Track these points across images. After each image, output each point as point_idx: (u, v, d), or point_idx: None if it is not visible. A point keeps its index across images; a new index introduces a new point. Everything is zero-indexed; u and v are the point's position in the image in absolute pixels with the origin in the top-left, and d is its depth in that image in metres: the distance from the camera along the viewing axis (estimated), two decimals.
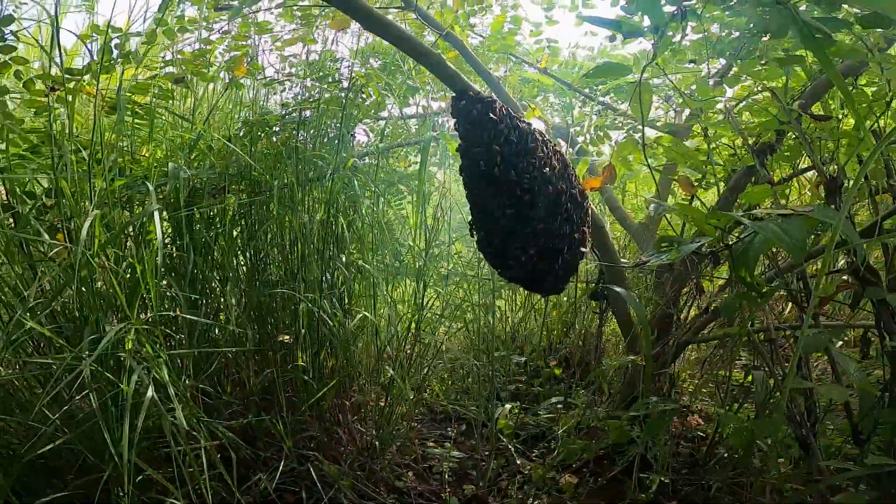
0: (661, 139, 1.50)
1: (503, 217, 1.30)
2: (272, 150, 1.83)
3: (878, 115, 1.33)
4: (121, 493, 1.14)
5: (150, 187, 1.25)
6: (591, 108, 2.42)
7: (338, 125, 1.87)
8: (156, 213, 1.21)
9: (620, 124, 2.47)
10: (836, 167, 1.34)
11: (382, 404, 1.90)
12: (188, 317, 1.36)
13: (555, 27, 2.82)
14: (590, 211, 1.55)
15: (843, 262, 1.65)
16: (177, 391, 1.22)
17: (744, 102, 1.56)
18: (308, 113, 1.81)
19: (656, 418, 1.43)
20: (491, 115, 1.26)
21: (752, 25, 1.29)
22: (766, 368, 1.46)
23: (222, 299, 1.72)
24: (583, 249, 1.49)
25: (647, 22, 1.29)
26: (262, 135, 1.78)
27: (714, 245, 1.38)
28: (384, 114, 2.44)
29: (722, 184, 1.86)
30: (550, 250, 1.38)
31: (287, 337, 1.69)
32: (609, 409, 2.02)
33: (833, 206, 1.28)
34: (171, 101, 1.72)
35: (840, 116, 1.44)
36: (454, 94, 1.26)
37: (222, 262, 1.71)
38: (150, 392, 1.12)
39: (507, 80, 2.28)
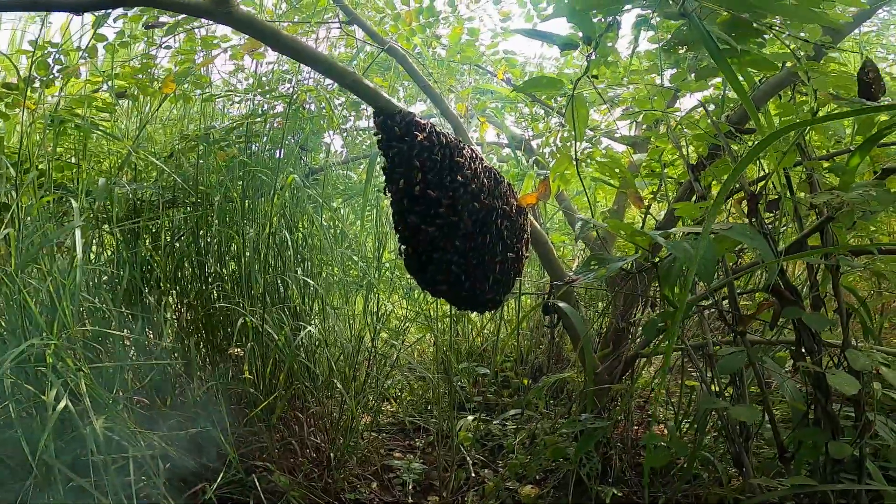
0: (594, 153, 1.50)
1: (426, 235, 1.30)
2: (224, 163, 1.83)
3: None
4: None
5: (74, 204, 1.26)
6: (547, 122, 2.43)
7: (293, 138, 1.88)
8: (77, 230, 1.22)
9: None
10: (757, 184, 1.34)
11: (338, 416, 1.91)
12: (112, 332, 1.37)
13: (517, 39, 2.82)
14: (528, 227, 1.56)
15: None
16: (104, 402, 1.23)
17: (683, 115, 1.56)
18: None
19: (586, 435, 1.43)
20: (414, 132, 1.27)
21: (669, 37, 1.29)
22: (703, 385, 1.46)
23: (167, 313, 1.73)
24: (518, 266, 1.49)
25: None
26: (208, 149, 1.79)
27: (641, 262, 1.38)
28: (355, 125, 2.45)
29: (672, 197, 1.86)
30: (478, 268, 1.38)
31: (238, 350, 1.70)
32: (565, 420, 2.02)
33: (754, 223, 1.28)
34: (114, 115, 1.73)
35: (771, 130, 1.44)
36: (374, 112, 1.27)
37: (163, 276, 1.71)
38: (64, 402, 1.13)
39: (460, 94, 2.29)
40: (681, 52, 1.30)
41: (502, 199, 1.43)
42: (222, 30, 1.95)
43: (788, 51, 1.30)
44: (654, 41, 1.94)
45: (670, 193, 1.98)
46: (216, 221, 1.76)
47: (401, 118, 1.26)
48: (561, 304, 1.72)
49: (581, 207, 2.57)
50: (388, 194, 1.32)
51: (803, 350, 1.23)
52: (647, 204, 1.88)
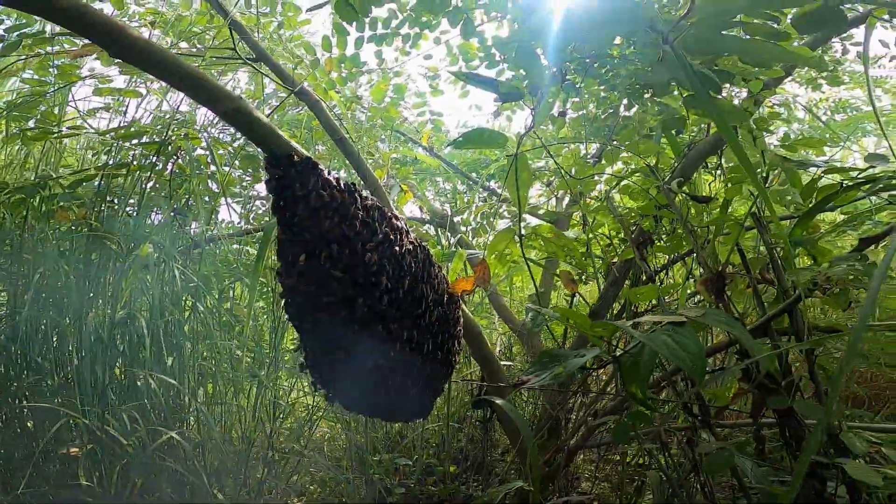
0: (540, 229, 1.30)
1: (329, 329, 0.98)
2: (64, 226, 1.41)
3: (755, 193, 1.21)
4: None
5: None
6: (473, 194, 2.24)
7: (170, 200, 1.51)
8: None
9: (506, 213, 2.31)
10: (718, 262, 1.18)
11: None
12: None
13: (439, 104, 2.69)
14: (461, 318, 1.27)
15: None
16: None
17: (623, 182, 1.42)
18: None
19: None
20: (319, 182, 0.96)
21: (631, 80, 1.15)
22: (661, 474, 1.25)
23: None
24: (450, 365, 1.20)
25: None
26: (47, 205, 1.37)
27: (600, 358, 1.16)
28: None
29: (601, 277, 1.70)
30: (404, 372, 1.06)
31: (75, 450, 1.43)
32: None
33: (721, 306, 1.12)
34: None
35: (715, 197, 1.32)
36: (265, 158, 0.95)
37: None
38: None
39: (382, 157, 2.05)
40: (646, 95, 1.16)
41: (432, 284, 1.13)
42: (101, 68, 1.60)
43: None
44: (579, 108, 1.86)
45: (599, 275, 1.83)
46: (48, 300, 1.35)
47: (303, 163, 0.96)
48: (499, 402, 1.44)
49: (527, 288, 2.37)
50: (279, 275, 0.98)
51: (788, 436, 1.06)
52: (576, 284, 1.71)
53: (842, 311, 1.13)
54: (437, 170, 2.47)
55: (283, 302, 0.99)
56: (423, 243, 1.14)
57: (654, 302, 1.44)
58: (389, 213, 1.07)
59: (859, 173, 1.12)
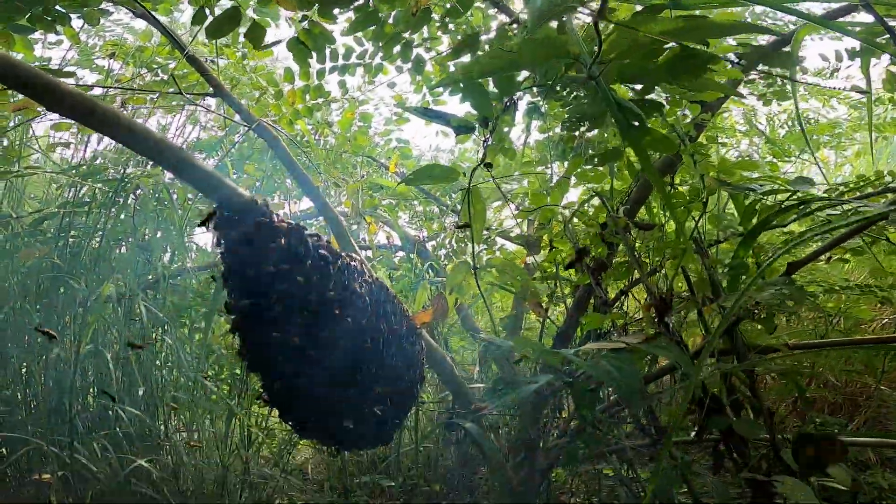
0: (493, 261, 1.33)
1: (289, 374, 1.00)
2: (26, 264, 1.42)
3: (696, 217, 1.25)
4: None
5: None
6: (441, 222, 2.28)
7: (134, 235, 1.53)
8: None
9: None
10: (664, 286, 1.22)
11: None
12: None
13: (410, 127, 2.73)
14: (423, 348, 1.30)
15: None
16: None
17: (578, 209, 1.45)
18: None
19: None
20: (267, 236, 0.98)
21: (566, 113, 1.19)
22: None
23: None
24: (411, 395, 1.23)
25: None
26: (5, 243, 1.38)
27: (554, 384, 1.19)
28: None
29: (569, 300, 1.73)
30: (358, 409, 1.09)
31: (47, 476, 1.43)
32: None
33: (665, 331, 1.16)
34: None
35: (663, 223, 1.36)
36: (215, 206, 0.97)
37: None
38: None
39: (347, 190, 2.07)
40: (582, 128, 1.20)
41: (388, 319, 1.16)
42: None
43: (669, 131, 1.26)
44: (544, 130, 1.90)
45: (567, 297, 1.87)
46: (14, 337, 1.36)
47: (250, 216, 0.97)
48: (468, 426, 1.47)
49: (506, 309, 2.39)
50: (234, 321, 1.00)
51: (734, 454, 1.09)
52: (545, 308, 1.74)
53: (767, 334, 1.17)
54: (410, 194, 2.50)
55: (239, 352, 1.02)
56: (380, 281, 1.17)
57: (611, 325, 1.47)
58: (344, 257, 1.09)
59: (790, 195, 1.16)
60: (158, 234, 1.60)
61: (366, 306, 1.09)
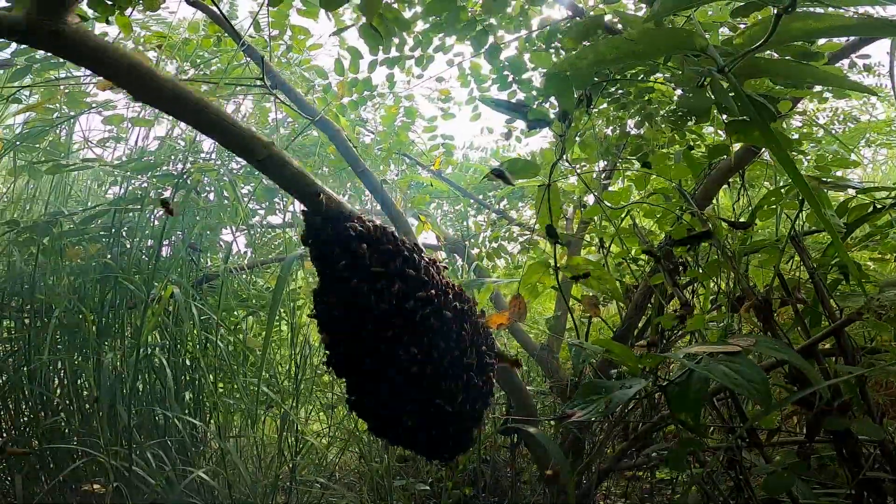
0: (573, 261, 1.28)
1: (389, 386, 0.95)
2: (77, 263, 1.36)
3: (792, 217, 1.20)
4: None
5: None
6: (487, 217, 2.22)
7: (181, 234, 1.47)
8: None
9: (516, 235, 2.28)
10: (757, 287, 1.17)
11: None
12: None
13: (451, 123, 2.66)
14: (496, 353, 1.24)
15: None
16: None
17: (643, 204, 1.40)
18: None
19: None
20: (359, 235, 0.92)
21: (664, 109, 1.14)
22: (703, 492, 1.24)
23: None
24: (487, 400, 1.17)
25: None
26: (55, 242, 1.31)
27: (647, 389, 1.13)
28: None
29: (620, 302, 1.68)
30: (442, 417, 1.03)
31: (97, 486, 1.43)
32: None
33: (770, 333, 1.11)
34: None
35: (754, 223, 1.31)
36: (303, 210, 0.91)
37: None
38: None
39: (398, 185, 2.01)
40: (690, 124, 1.15)
41: (470, 321, 1.11)
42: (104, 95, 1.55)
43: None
44: (589, 128, 1.85)
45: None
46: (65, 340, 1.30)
47: (342, 218, 0.91)
48: (531, 430, 1.42)
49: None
50: (324, 323, 0.95)
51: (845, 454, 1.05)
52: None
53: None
54: (445, 193, 2.44)
55: (330, 361, 0.96)
56: (461, 289, 1.12)
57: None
58: (427, 259, 1.03)
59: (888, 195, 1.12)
60: (208, 233, 1.54)
61: (456, 311, 1.04)
